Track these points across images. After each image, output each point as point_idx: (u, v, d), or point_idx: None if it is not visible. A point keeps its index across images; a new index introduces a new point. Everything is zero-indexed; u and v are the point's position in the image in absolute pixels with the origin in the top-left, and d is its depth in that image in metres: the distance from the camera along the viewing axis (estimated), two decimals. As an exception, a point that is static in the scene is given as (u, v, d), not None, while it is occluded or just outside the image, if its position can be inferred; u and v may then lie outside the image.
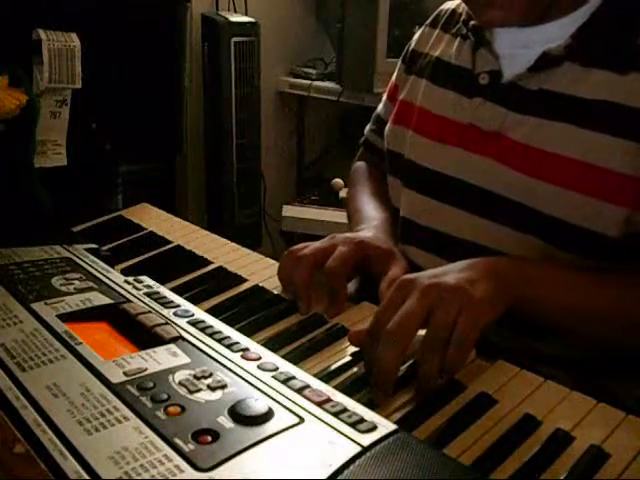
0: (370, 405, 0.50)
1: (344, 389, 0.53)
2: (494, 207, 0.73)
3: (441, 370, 0.56)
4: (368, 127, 1.04)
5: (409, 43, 0.93)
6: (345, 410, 0.47)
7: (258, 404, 0.47)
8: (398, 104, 0.89)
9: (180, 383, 0.50)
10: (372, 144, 1.02)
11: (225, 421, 0.46)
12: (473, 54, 0.78)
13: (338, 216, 2.05)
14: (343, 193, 2.25)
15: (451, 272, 0.60)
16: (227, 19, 1.99)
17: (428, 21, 0.91)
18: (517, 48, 0.73)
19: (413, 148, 0.83)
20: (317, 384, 0.51)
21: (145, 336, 0.58)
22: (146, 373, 0.51)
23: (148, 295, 0.67)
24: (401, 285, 0.59)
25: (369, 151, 1.03)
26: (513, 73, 0.73)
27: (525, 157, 0.70)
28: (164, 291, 0.69)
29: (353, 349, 0.63)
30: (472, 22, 0.78)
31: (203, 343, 0.57)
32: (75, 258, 0.76)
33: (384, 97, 0.99)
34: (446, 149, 0.78)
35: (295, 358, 0.60)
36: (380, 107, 1.00)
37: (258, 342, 0.60)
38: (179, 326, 0.60)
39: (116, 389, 0.49)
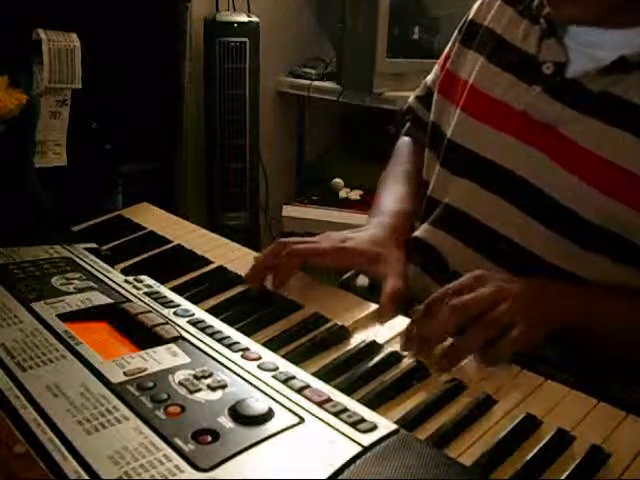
0: (370, 405, 0.50)
1: (344, 389, 0.53)
2: (537, 203, 0.71)
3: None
4: (414, 93, 1.00)
5: (467, 13, 0.88)
6: (345, 410, 0.47)
7: (258, 404, 0.47)
8: (444, 73, 0.87)
9: (180, 383, 0.50)
10: (415, 113, 0.99)
11: (225, 421, 0.46)
12: (540, 41, 0.75)
13: (338, 216, 2.05)
14: (343, 193, 2.26)
15: (518, 283, 0.63)
16: (215, 19, 1.99)
17: None
18: (588, 47, 0.71)
19: (458, 128, 0.80)
20: (317, 384, 0.51)
21: (145, 336, 0.58)
22: (146, 373, 0.51)
23: (148, 295, 0.67)
24: (477, 277, 0.64)
25: (413, 122, 1.00)
26: (578, 70, 0.70)
27: (575, 156, 0.69)
28: (164, 291, 0.69)
29: (353, 349, 0.63)
30: (547, 9, 0.75)
31: (203, 343, 0.57)
32: (75, 258, 0.76)
33: (436, 65, 0.95)
34: (494, 134, 0.75)
35: (295, 358, 0.60)
36: (430, 76, 0.97)
37: (258, 342, 0.60)
38: (179, 326, 0.60)
39: (116, 389, 0.49)
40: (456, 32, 0.90)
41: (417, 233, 0.84)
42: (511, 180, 0.73)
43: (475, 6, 0.87)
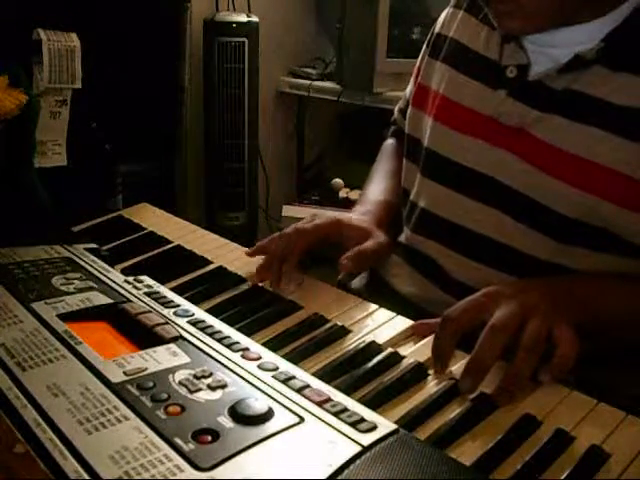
0: (370, 405, 0.50)
1: (344, 389, 0.53)
2: (511, 202, 0.73)
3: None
4: (397, 105, 1.04)
5: (434, 25, 0.91)
6: (345, 410, 0.48)
7: (258, 404, 0.47)
8: (416, 87, 0.89)
9: (180, 383, 0.50)
10: (398, 124, 1.03)
11: (225, 421, 0.46)
12: (501, 46, 0.76)
13: (338, 216, 2.04)
14: (343, 193, 2.25)
15: (529, 290, 0.62)
16: (214, 19, 1.99)
17: (452, 2, 0.89)
18: (544, 46, 0.72)
19: (433, 136, 0.83)
20: (317, 384, 0.51)
21: (145, 336, 0.58)
22: (146, 373, 0.51)
23: (148, 295, 0.67)
24: (489, 293, 0.61)
25: (396, 130, 1.04)
26: (540, 71, 0.72)
27: (545, 155, 0.70)
28: (164, 291, 0.69)
29: (353, 349, 0.63)
30: None
31: (203, 343, 0.57)
32: (75, 258, 0.76)
33: (412, 78, 0.98)
34: (467, 140, 0.77)
35: (295, 358, 0.60)
36: (408, 88, 1.00)
37: (258, 342, 0.60)
38: (179, 326, 0.60)
39: (116, 389, 0.49)
40: (424, 46, 0.93)
41: (402, 239, 0.87)
42: (484, 182, 0.75)
43: (440, 19, 0.90)
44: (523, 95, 0.73)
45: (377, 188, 0.94)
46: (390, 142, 1.05)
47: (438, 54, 0.86)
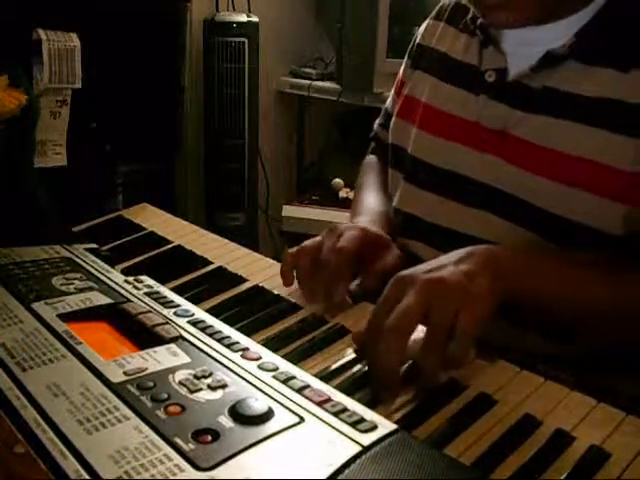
0: (370, 405, 0.50)
1: (344, 389, 0.53)
2: (499, 203, 0.73)
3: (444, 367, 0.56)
4: (377, 120, 1.05)
5: (415, 37, 0.93)
6: (345, 410, 0.48)
7: (258, 404, 0.47)
8: (403, 99, 0.90)
9: (180, 383, 0.50)
10: (380, 138, 1.03)
11: (225, 421, 0.46)
12: (480, 51, 0.78)
13: (338, 216, 2.05)
14: (343, 193, 2.25)
15: (448, 265, 0.59)
16: (214, 19, 1.99)
17: (432, 14, 0.90)
18: (522, 46, 0.73)
19: (418, 145, 0.83)
20: (317, 384, 0.51)
21: (145, 336, 0.58)
22: (146, 373, 0.51)
23: (148, 295, 0.67)
24: (398, 281, 0.58)
25: (378, 145, 1.04)
26: (518, 71, 0.73)
27: (529, 154, 0.71)
28: (164, 291, 0.69)
29: (353, 348, 0.63)
30: (479, 20, 0.78)
31: (203, 343, 0.57)
32: (75, 258, 0.76)
33: (392, 91, 0.99)
34: (452, 146, 0.78)
35: (295, 358, 0.60)
36: (388, 101, 1.01)
37: (258, 342, 0.60)
38: (179, 326, 0.60)
39: (116, 389, 0.49)
40: (406, 57, 0.94)
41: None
42: (470, 186, 0.75)
43: (421, 30, 0.92)
44: (504, 97, 0.74)
45: (372, 198, 0.94)
46: (372, 158, 1.05)
47: (420, 64, 0.88)
